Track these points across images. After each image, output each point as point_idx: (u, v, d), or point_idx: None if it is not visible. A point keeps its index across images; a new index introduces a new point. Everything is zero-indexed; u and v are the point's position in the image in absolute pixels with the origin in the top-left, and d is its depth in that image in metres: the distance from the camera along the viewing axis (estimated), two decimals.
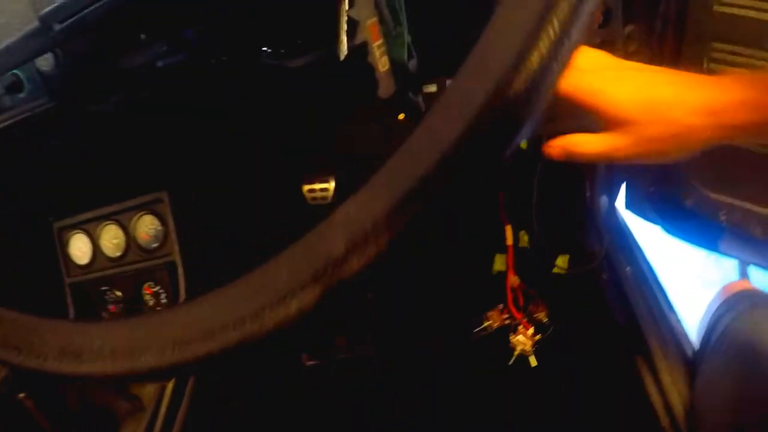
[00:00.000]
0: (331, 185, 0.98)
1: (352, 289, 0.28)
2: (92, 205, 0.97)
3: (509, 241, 1.12)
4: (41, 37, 0.42)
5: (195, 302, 0.31)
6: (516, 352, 1.11)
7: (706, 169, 0.88)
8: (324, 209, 1.04)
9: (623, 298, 1.03)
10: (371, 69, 0.59)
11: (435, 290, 1.19)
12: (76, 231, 0.98)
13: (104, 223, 0.95)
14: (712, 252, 0.96)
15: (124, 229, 0.93)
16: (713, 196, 0.88)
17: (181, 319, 0.31)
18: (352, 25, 0.51)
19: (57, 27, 0.41)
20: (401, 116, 0.81)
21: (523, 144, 1.03)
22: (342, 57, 0.52)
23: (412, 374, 1.20)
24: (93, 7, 0.41)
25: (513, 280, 1.14)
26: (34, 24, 0.41)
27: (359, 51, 0.53)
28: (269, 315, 0.28)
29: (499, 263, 1.16)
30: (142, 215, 0.92)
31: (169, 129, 0.81)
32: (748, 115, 0.45)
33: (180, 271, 0.90)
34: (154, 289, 0.95)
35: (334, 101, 0.81)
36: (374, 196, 0.28)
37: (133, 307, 0.96)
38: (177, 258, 0.90)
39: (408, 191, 0.27)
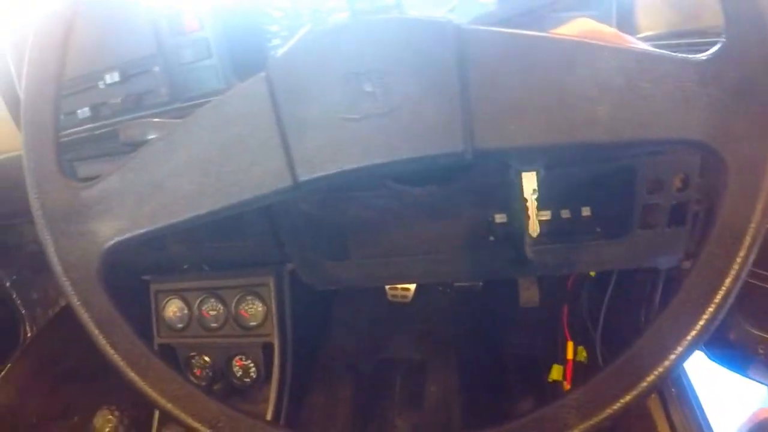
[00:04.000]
0: (412, 286, 1.07)
1: None
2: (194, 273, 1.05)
3: (570, 355, 1.20)
4: (287, 193, 0.51)
5: None
6: None
7: (750, 307, 0.97)
8: (403, 307, 1.13)
9: (667, 415, 1.10)
10: None
11: (492, 390, 1.26)
12: (173, 296, 1.06)
13: (205, 295, 1.03)
14: (750, 379, 1.06)
15: (225, 304, 1.01)
16: (754, 331, 0.98)
17: None
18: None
19: (305, 188, 0.51)
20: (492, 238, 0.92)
21: (592, 272, 1.13)
22: (534, 235, 0.62)
23: None
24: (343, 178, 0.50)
25: (567, 389, 1.20)
26: (288, 183, 0.50)
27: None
28: None
29: (556, 373, 1.24)
30: (244, 295, 1.00)
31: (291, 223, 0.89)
32: None
33: (276, 352, 0.98)
34: (245, 363, 1.02)
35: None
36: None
37: (220, 375, 1.03)
38: (275, 340, 0.98)
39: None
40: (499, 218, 0.91)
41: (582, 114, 0.44)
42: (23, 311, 1.47)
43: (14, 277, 1.45)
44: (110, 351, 0.50)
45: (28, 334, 1.47)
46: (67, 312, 1.47)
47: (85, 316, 0.51)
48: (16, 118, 0.92)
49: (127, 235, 0.52)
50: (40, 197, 0.52)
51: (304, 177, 0.49)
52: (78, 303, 0.51)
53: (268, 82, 0.49)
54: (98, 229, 0.51)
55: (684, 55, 0.42)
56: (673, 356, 0.42)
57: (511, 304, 1.04)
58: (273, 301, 0.97)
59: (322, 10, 0.80)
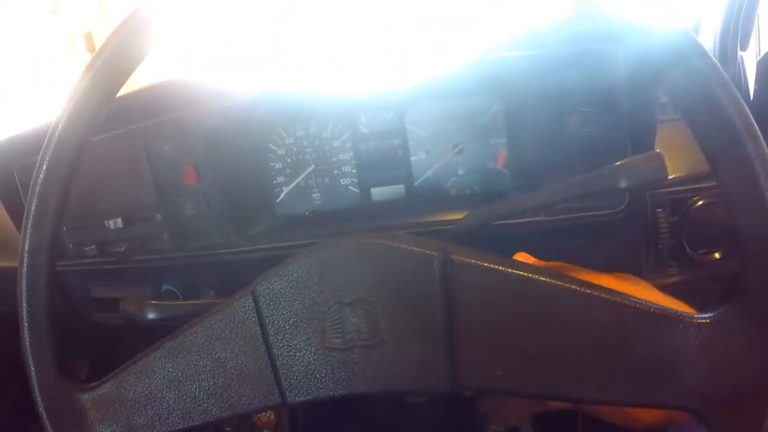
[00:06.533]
0: None
1: None
2: None
3: None
4: (278, 407, 0.52)
5: None
6: None
7: None
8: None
9: None
10: None
11: None
12: None
13: None
14: None
15: None
16: None
17: None
18: None
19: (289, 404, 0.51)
20: None
21: None
22: None
23: None
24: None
25: None
26: (277, 402, 0.49)
27: None
28: None
29: None
30: None
31: None
32: None
33: None
34: None
35: None
36: None
37: None
38: None
39: None
40: None
41: (571, 369, 0.43)
42: None
43: None
44: None
45: None
46: None
47: None
48: None
49: None
50: (44, 400, 0.53)
51: (292, 399, 0.50)
52: None
53: (256, 308, 0.49)
54: None
55: (687, 316, 0.41)
56: None
57: None
58: (286, 411, 0.98)
59: (325, 149, 0.81)
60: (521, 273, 0.44)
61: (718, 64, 0.38)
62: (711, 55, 0.38)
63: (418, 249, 0.47)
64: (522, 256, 0.58)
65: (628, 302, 0.42)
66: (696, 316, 0.41)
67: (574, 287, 0.43)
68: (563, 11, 0.62)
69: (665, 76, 0.40)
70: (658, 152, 0.52)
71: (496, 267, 0.45)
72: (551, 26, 0.66)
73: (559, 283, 0.44)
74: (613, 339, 0.42)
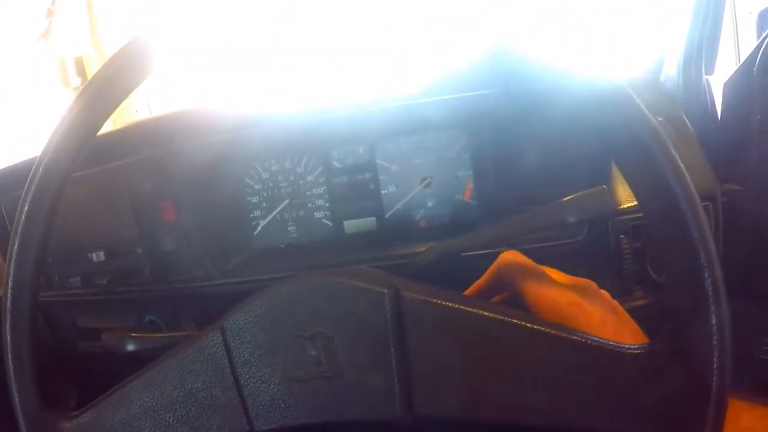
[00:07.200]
0: None
1: None
2: None
3: None
4: None
5: None
6: None
7: None
8: None
9: None
10: None
11: None
12: None
13: None
14: None
15: None
16: None
17: None
18: None
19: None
20: None
21: None
22: None
23: None
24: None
25: None
26: (246, 430, 0.54)
27: None
28: None
29: None
30: None
31: None
32: None
33: None
34: None
35: None
36: None
37: None
38: None
39: None
40: None
41: (517, 398, 0.46)
42: None
43: None
44: None
45: None
46: None
47: None
48: None
49: None
50: (29, 429, 0.56)
51: (259, 428, 0.53)
52: None
53: (224, 342, 0.53)
54: None
55: (621, 348, 0.44)
56: None
57: None
58: None
59: (299, 183, 0.85)
60: (468, 309, 0.48)
61: (646, 111, 0.41)
62: (638, 101, 0.40)
63: (369, 287, 0.50)
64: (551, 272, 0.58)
65: (566, 335, 0.45)
66: (631, 346, 0.44)
67: (515, 321, 0.47)
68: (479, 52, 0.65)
69: (593, 119, 0.43)
70: (604, 188, 0.56)
71: (444, 303, 0.48)
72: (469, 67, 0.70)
73: (502, 317, 0.47)
74: (554, 370, 0.45)
